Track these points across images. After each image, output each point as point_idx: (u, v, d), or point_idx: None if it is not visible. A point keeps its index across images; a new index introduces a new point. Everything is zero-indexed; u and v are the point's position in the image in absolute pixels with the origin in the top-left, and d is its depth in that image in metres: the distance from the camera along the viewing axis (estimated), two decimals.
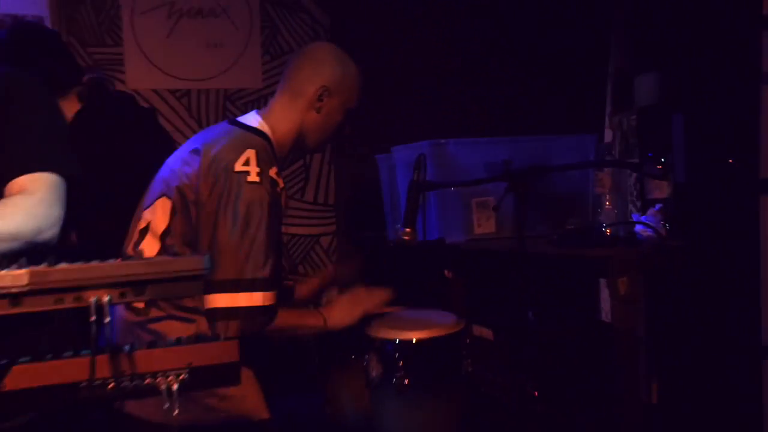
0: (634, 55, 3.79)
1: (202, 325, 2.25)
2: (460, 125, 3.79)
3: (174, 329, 2.26)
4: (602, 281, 3.83)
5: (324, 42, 3.65)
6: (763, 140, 2.53)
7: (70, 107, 2.71)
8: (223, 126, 2.51)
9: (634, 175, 3.36)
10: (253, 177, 2.29)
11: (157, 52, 3.71)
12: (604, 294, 3.90)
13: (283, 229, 3.86)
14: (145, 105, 3.58)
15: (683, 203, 2.91)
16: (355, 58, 2.62)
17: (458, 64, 4.16)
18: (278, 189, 2.37)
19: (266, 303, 2.25)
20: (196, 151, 2.34)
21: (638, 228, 2.84)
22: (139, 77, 3.71)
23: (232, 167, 2.28)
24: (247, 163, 2.30)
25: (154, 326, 2.29)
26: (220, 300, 2.23)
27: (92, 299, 1.31)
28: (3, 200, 1.78)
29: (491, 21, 4.16)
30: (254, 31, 3.83)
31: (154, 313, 2.29)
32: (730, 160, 2.79)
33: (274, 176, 2.35)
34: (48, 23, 3.54)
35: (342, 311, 2.52)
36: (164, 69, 3.71)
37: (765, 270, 2.52)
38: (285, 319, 2.33)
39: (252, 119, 2.49)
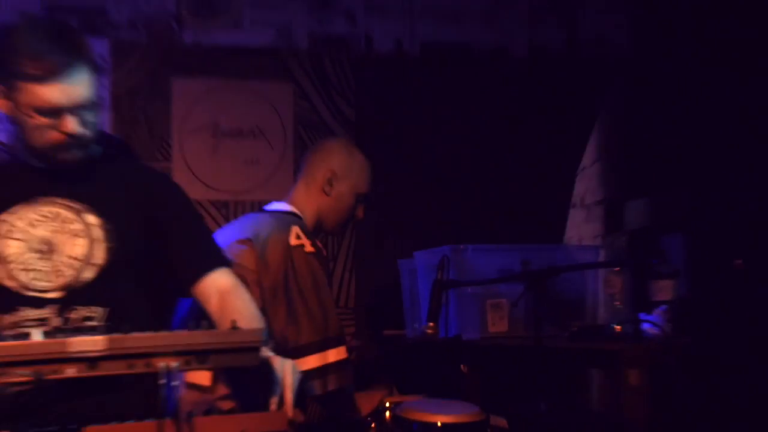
0: (625, 183, 4.01)
1: None
2: (472, 232, 3.84)
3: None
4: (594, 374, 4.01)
5: (335, 137, 3.87)
6: None
7: None
8: (257, 215, 2.71)
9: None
10: (309, 248, 2.50)
11: (202, 167, 3.97)
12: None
13: None
14: None
15: (687, 306, 3.07)
16: (376, 172, 2.83)
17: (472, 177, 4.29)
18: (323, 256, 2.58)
19: (348, 356, 2.46)
20: (242, 241, 2.52)
21: (645, 326, 3.02)
22: (185, 189, 3.73)
23: (288, 243, 2.48)
24: (298, 237, 2.52)
25: (220, 404, 2.38)
26: (312, 361, 2.41)
27: (161, 365, 1.36)
28: (230, 295, 1.94)
29: (509, 134, 4.30)
30: (287, 151, 4.03)
31: (221, 390, 2.40)
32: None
33: (320, 246, 2.57)
34: None
35: (364, 401, 2.62)
36: (207, 182, 3.96)
37: None
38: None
39: (280, 206, 2.73)
